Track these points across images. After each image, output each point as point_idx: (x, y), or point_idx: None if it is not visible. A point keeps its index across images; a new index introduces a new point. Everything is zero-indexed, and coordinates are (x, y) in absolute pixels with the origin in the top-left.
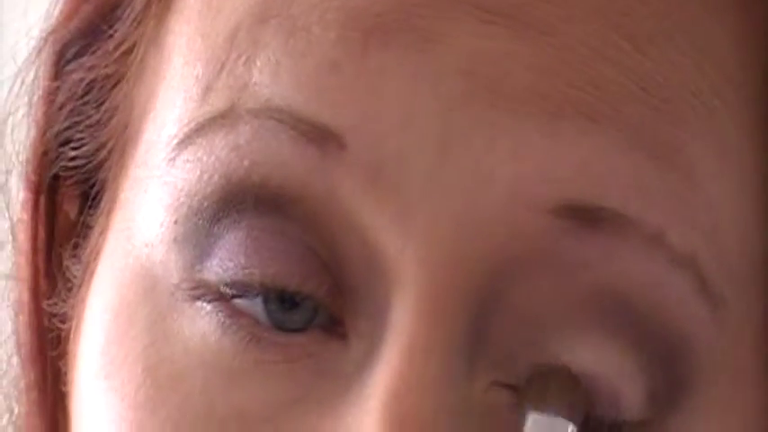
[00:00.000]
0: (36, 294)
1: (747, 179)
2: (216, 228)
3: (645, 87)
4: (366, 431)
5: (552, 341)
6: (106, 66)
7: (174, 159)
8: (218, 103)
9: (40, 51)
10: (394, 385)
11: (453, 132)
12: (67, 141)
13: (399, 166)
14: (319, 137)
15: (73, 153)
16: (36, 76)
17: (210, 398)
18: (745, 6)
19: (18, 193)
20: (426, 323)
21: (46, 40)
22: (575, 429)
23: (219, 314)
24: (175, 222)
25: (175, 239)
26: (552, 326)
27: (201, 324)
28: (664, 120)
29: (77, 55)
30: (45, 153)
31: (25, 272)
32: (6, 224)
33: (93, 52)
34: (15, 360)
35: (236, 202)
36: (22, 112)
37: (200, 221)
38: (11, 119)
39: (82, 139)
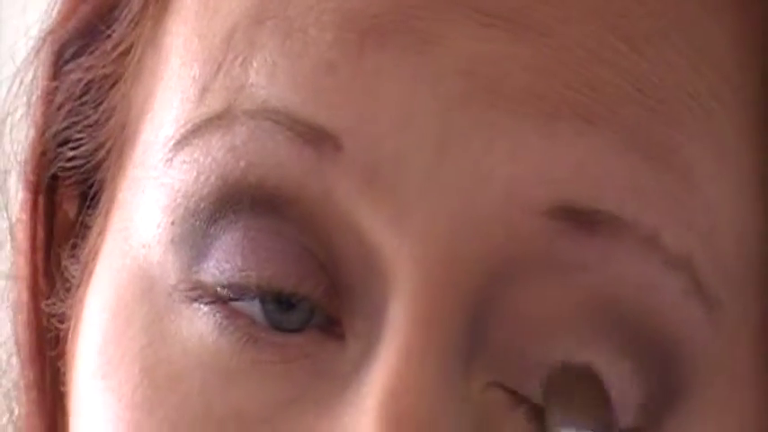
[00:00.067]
0: (35, 294)
1: (745, 181)
2: (212, 229)
3: (641, 88)
4: (363, 431)
5: (549, 343)
6: (104, 66)
7: (170, 160)
8: (214, 104)
9: (38, 51)
10: (391, 385)
11: (452, 133)
12: (66, 141)
13: (396, 167)
14: (316, 138)
15: (71, 153)
16: (35, 77)
17: (208, 398)
18: (744, 6)
19: (17, 193)
20: (423, 323)
21: (44, 40)
22: None
23: (217, 315)
24: (172, 223)
25: (172, 240)
26: (549, 328)
27: (199, 325)
28: (659, 121)
29: (75, 55)
30: (43, 153)
31: (24, 272)
32: (5, 224)
33: (92, 53)
34: (15, 360)
35: (232, 203)
36: (20, 112)
37: (197, 222)
38: (9, 119)
39: (80, 139)
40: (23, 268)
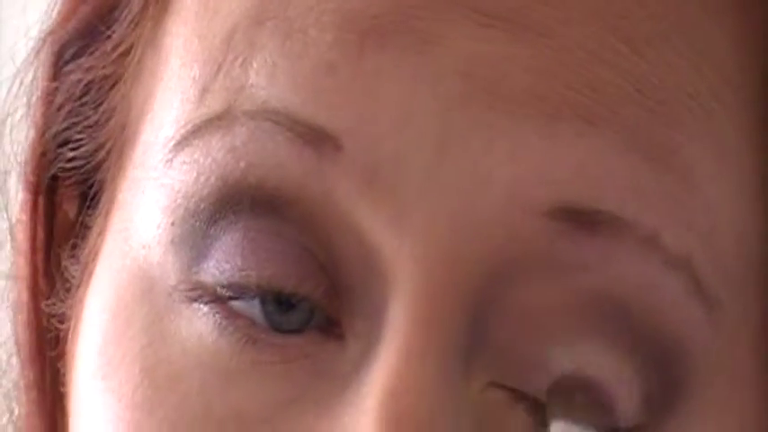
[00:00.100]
0: (35, 294)
1: (746, 181)
2: (212, 229)
3: (641, 89)
4: (363, 431)
5: (550, 344)
6: (104, 67)
7: (170, 161)
8: (214, 104)
9: (38, 52)
10: (391, 385)
11: (451, 133)
12: (66, 142)
13: (396, 168)
14: (316, 139)
15: (71, 154)
16: (35, 77)
17: (208, 398)
18: (745, 8)
19: (17, 193)
20: (423, 323)
21: (44, 40)
22: None
23: (216, 315)
24: (172, 224)
25: (172, 241)
26: (550, 329)
27: (198, 325)
28: (659, 121)
29: (76, 56)
30: (44, 154)
31: (24, 272)
32: (5, 225)
33: (92, 53)
34: (15, 360)
35: (232, 203)
36: (20, 112)
37: (197, 223)
38: (9, 119)
39: (80, 139)
40: (23, 268)
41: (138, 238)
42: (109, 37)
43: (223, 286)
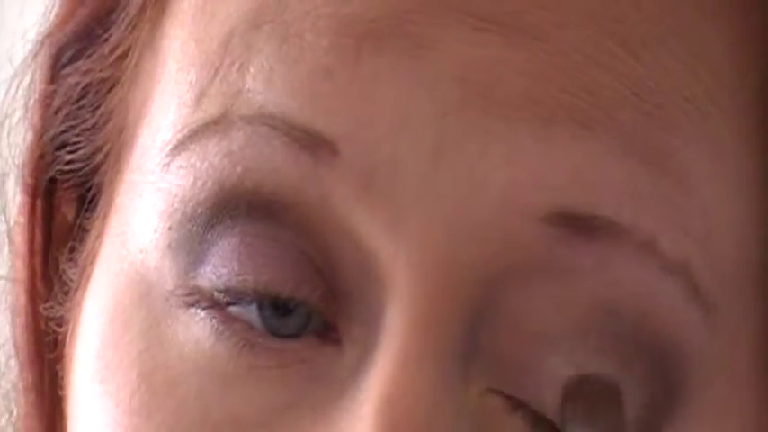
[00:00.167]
0: (33, 297)
1: (743, 184)
2: (209, 234)
3: (637, 93)
4: None
5: (547, 349)
6: (101, 70)
7: (167, 165)
8: (211, 109)
9: (36, 55)
10: (387, 390)
11: (447, 138)
12: (64, 145)
13: (392, 172)
14: (312, 143)
15: (69, 157)
16: (32, 80)
17: (205, 403)
18: (741, 11)
19: (15, 196)
20: (420, 328)
21: (42, 43)
22: None
23: (213, 320)
24: (169, 229)
25: (170, 246)
26: (547, 335)
27: (195, 330)
28: (656, 125)
29: (73, 59)
30: (41, 156)
31: (22, 275)
32: (3, 227)
33: (89, 56)
34: (14, 362)
35: (229, 208)
36: (18, 115)
37: (194, 228)
38: (7, 122)
39: (78, 142)
40: (22, 271)
41: (135, 242)
42: (106, 40)
43: (220, 291)
